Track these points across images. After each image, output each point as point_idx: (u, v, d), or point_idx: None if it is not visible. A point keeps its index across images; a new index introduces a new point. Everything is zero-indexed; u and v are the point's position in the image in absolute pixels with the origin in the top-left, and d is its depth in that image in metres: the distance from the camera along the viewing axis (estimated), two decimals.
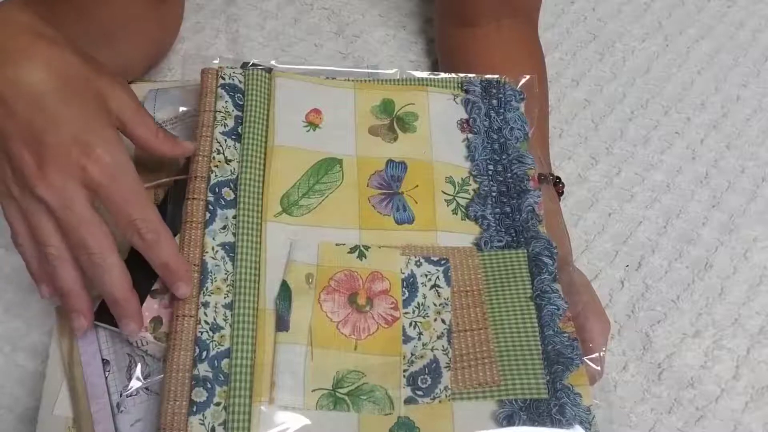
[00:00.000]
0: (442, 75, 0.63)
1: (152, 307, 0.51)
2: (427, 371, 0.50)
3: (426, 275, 0.53)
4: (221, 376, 0.48)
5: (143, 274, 0.52)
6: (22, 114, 0.45)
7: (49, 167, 0.45)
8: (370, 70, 0.63)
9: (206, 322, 0.49)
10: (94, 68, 0.48)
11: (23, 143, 0.45)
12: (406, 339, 0.51)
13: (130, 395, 0.49)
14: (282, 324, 0.50)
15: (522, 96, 0.62)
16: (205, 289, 0.50)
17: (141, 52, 0.71)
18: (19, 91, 0.45)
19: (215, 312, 0.50)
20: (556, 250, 0.55)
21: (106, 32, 0.63)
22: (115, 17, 0.65)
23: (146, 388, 0.49)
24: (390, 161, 0.58)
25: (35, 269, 0.49)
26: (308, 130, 0.58)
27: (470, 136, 0.60)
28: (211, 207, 0.52)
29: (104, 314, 0.51)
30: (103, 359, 0.51)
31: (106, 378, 0.50)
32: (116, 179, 0.47)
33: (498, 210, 0.57)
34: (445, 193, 0.57)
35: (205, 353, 0.48)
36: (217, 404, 0.47)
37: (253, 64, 0.60)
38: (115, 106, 0.49)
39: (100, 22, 0.63)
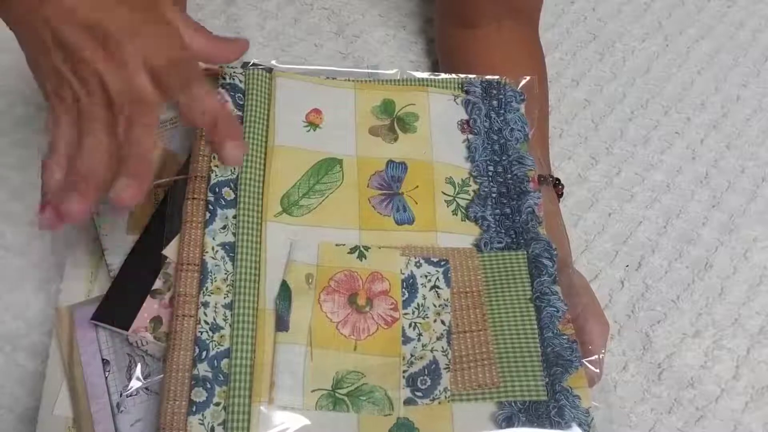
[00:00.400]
0: (443, 75, 0.63)
1: (152, 307, 0.51)
2: (426, 372, 0.50)
3: (426, 276, 0.53)
4: (221, 376, 0.48)
5: (143, 274, 0.52)
6: (79, 11, 0.45)
7: (117, 58, 0.45)
8: (370, 71, 0.63)
9: (206, 322, 0.49)
10: None
11: (86, 41, 0.45)
12: (406, 340, 0.51)
13: (130, 395, 0.49)
14: (282, 324, 0.50)
15: (522, 97, 0.62)
16: (205, 289, 0.50)
17: None
18: None
19: (215, 312, 0.50)
20: (555, 252, 0.55)
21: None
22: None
23: (146, 388, 0.49)
24: (390, 162, 0.58)
25: (52, 179, 0.46)
26: (308, 130, 0.58)
27: (470, 136, 0.60)
28: (211, 207, 0.53)
29: (104, 314, 0.51)
30: (103, 359, 0.51)
31: (106, 378, 0.50)
32: (176, 66, 0.46)
33: (498, 211, 0.57)
34: (445, 193, 0.57)
35: (204, 353, 0.48)
36: (217, 404, 0.47)
37: (254, 64, 0.60)
38: (170, 15, 0.48)
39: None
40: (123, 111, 0.45)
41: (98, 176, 0.45)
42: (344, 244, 0.54)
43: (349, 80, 0.61)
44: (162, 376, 0.48)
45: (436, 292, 0.53)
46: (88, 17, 0.45)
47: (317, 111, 0.59)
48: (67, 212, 0.44)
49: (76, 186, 0.44)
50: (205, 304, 0.50)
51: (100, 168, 0.45)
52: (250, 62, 0.61)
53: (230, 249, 0.52)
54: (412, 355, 0.51)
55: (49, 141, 0.46)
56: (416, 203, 0.56)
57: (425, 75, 0.63)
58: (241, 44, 0.52)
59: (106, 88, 0.45)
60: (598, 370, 0.52)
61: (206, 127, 0.46)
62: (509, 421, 0.48)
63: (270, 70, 0.59)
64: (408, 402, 0.49)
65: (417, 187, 0.57)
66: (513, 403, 0.49)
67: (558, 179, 0.65)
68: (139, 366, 0.50)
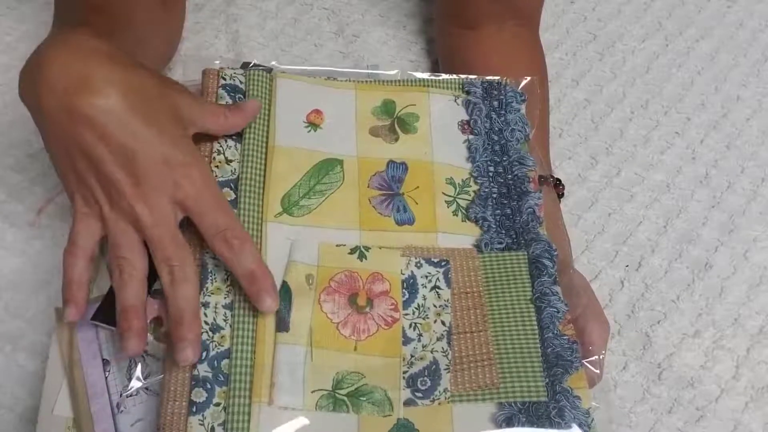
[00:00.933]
0: (443, 76, 0.63)
1: (152, 307, 0.51)
2: (426, 373, 0.50)
3: (426, 276, 0.53)
4: (221, 376, 0.48)
5: None
6: (114, 137, 0.47)
7: (146, 186, 0.47)
8: (370, 71, 0.63)
9: (206, 323, 0.49)
10: (162, 82, 0.51)
11: (117, 165, 0.47)
12: (406, 340, 0.51)
13: (130, 395, 0.49)
14: (282, 324, 0.50)
15: (523, 97, 0.62)
16: (205, 289, 0.50)
17: (158, 55, 0.71)
18: (108, 116, 0.47)
19: (215, 312, 0.50)
20: (556, 253, 0.54)
21: (133, 41, 0.64)
22: (137, 24, 0.65)
23: (146, 388, 0.49)
24: (391, 162, 0.58)
25: (75, 268, 0.49)
26: (309, 131, 0.58)
27: (471, 137, 0.60)
28: None
29: (104, 314, 0.51)
30: (103, 359, 0.51)
31: (106, 378, 0.50)
32: (204, 191, 0.49)
33: (498, 212, 0.57)
34: (445, 194, 0.57)
35: (204, 353, 0.48)
36: (217, 404, 0.47)
37: (254, 65, 0.60)
38: (186, 113, 0.51)
39: (125, 37, 0.63)
40: (166, 255, 0.48)
41: (140, 306, 0.48)
42: (344, 245, 0.54)
43: (349, 81, 0.61)
44: (162, 376, 0.48)
45: (437, 292, 0.53)
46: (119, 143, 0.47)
47: (318, 111, 0.59)
48: (129, 348, 0.47)
49: (126, 323, 0.47)
50: (206, 305, 0.50)
51: (139, 303, 0.48)
52: (250, 63, 0.61)
53: None
54: (412, 356, 0.50)
55: (70, 232, 0.49)
56: (417, 204, 0.56)
57: (426, 75, 0.63)
58: (252, 106, 0.55)
59: (135, 216, 0.47)
60: (598, 371, 0.52)
61: (244, 282, 0.49)
62: (509, 422, 0.48)
63: (270, 70, 0.59)
64: (408, 403, 0.49)
65: (417, 187, 0.57)
66: (513, 404, 0.49)
67: (559, 179, 0.65)
68: (139, 366, 0.50)
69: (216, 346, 0.49)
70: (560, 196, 0.65)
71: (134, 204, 0.47)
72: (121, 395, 0.49)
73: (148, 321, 0.50)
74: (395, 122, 0.60)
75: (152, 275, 0.51)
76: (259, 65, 0.60)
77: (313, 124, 0.58)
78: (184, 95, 0.51)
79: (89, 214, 0.49)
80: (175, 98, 0.50)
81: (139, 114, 0.48)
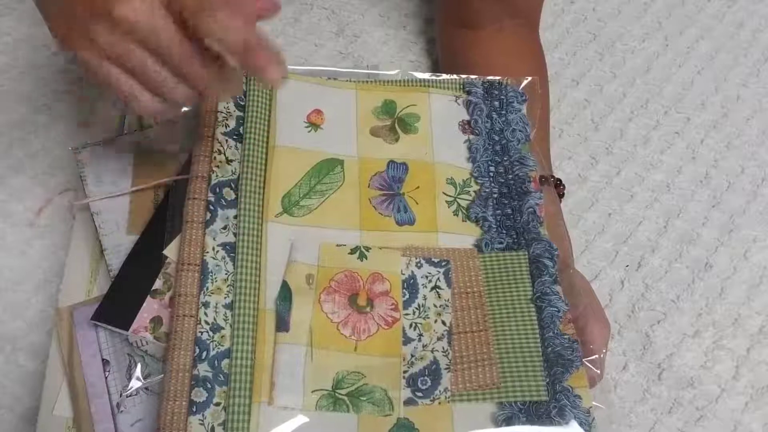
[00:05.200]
0: (444, 76, 0.63)
1: (152, 307, 0.51)
2: (427, 372, 0.50)
3: (426, 276, 0.53)
4: (221, 376, 0.48)
5: (143, 274, 0.52)
6: None
7: None
8: (371, 71, 0.63)
9: (206, 322, 0.49)
10: None
11: None
12: (407, 340, 0.51)
13: (130, 395, 0.49)
14: (282, 324, 0.50)
15: (524, 97, 0.62)
16: (205, 289, 0.50)
17: None
18: None
19: (215, 312, 0.50)
20: (556, 252, 0.55)
21: None
22: None
23: (146, 388, 0.49)
24: (391, 162, 0.58)
25: (127, 85, 0.45)
26: (310, 131, 0.58)
27: (472, 137, 0.60)
28: (212, 207, 0.53)
29: (104, 314, 0.51)
30: (103, 359, 0.51)
31: (106, 378, 0.50)
32: None
33: (499, 211, 0.57)
34: (446, 194, 0.57)
35: (205, 353, 0.48)
36: (217, 404, 0.47)
37: None
38: None
39: None
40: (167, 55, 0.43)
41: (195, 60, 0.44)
42: (345, 245, 0.54)
43: (350, 81, 0.61)
44: (162, 376, 0.48)
45: (437, 292, 0.53)
46: None
47: (318, 112, 0.59)
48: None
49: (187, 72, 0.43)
50: (206, 304, 0.50)
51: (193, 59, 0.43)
52: None
53: (231, 249, 0.52)
54: (412, 356, 0.51)
55: (105, 83, 0.44)
56: (417, 204, 0.56)
57: (426, 76, 0.63)
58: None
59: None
60: (598, 371, 0.52)
61: (238, 54, 0.43)
62: (509, 422, 0.48)
63: None
64: (408, 402, 0.49)
65: (418, 187, 0.57)
66: (513, 404, 0.49)
67: (559, 180, 0.65)
68: (139, 366, 0.50)
69: (216, 345, 0.49)
70: (561, 196, 0.65)
71: (114, 5, 0.41)
72: (121, 395, 0.49)
73: (148, 321, 0.50)
74: (396, 122, 0.60)
75: (152, 275, 0.51)
76: None
77: (313, 125, 0.58)
78: None
79: (84, 46, 0.44)
80: None
81: None
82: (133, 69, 0.44)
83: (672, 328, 0.68)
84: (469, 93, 0.62)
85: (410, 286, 0.53)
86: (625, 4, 0.91)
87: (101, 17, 0.43)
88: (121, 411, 0.49)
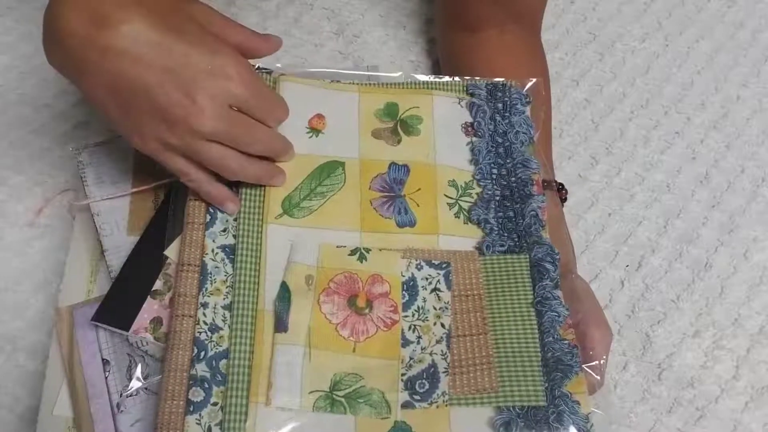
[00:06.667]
0: (447, 78, 0.62)
1: (152, 307, 0.51)
2: (425, 376, 0.50)
3: (426, 279, 0.53)
4: (219, 376, 0.48)
5: (144, 274, 0.52)
6: (155, 61, 0.46)
7: (201, 97, 0.46)
8: (373, 73, 0.63)
9: (205, 323, 0.49)
10: None
11: (171, 87, 0.46)
12: (405, 342, 0.51)
13: (130, 395, 0.49)
14: (281, 325, 0.50)
15: (528, 99, 0.62)
16: (204, 289, 0.50)
17: None
18: (140, 42, 0.46)
19: (214, 313, 0.50)
20: (558, 257, 0.54)
21: None
22: None
23: (146, 388, 0.50)
24: (392, 164, 0.58)
25: (215, 191, 0.52)
26: (311, 136, 0.57)
27: (474, 139, 0.60)
28: (211, 209, 0.53)
29: (104, 315, 0.51)
30: (103, 359, 0.51)
31: (106, 378, 0.50)
32: (255, 89, 0.49)
33: (501, 214, 0.57)
34: (447, 196, 0.57)
35: (203, 353, 0.48)
36: (214, 404, 0.47)
37: (258, 68, 0.59)
38: (205, 22, 0.50)
39: None
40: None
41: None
42: (345, 246, 0.53)
43: (353, 83, 0.61)
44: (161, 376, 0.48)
45: (437, 294, 0.53)
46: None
47: (320, 116, 0.58)
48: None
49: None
50: (205, 305, 0.50)
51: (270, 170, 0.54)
52: (255, 66, 0.60)
53: (230, 251, 0.52)
54: (411, 358, 0.50)
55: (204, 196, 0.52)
56: (418, 206, 0.56)
57: (429, 78, 0.62)
58: (275, 41, 0.53)
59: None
60: (599, 377, 0.52)
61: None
62: (507, 427, 0.48)
63: (270, 72, 0.59)
64: (406, 405, 0.49)
65: (419, 189, 0.57)
66: (512, 408, 0.49)
67: (562, 184, 0.64)
68: (139, 366, 0.50)
69: (214, 346, 0.49)
70: (563, 200, 0.64)
71: (196, 118, 0.47)
72: (121, 395, 0.49)
73: (149, 321, 0.50)
74: (398, 124, 0.59)
75: (152, 276, 0.51)
76: (263, 69, 0.59)
77: (315, 130, 0.58)
78: (203, 7, 0.50)
79: (159, 149, 0.48)
80: (192, 10, 0.49)
81: (168, 32, 0.46)
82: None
83: (672, 328, 0.68)
84: (472, 95, 0.61)
85: (410, 288, 0.53)
86: (625, 4, 0.91)
87: (178, 125, 0.47)
88: (121, 411, 0.49)
